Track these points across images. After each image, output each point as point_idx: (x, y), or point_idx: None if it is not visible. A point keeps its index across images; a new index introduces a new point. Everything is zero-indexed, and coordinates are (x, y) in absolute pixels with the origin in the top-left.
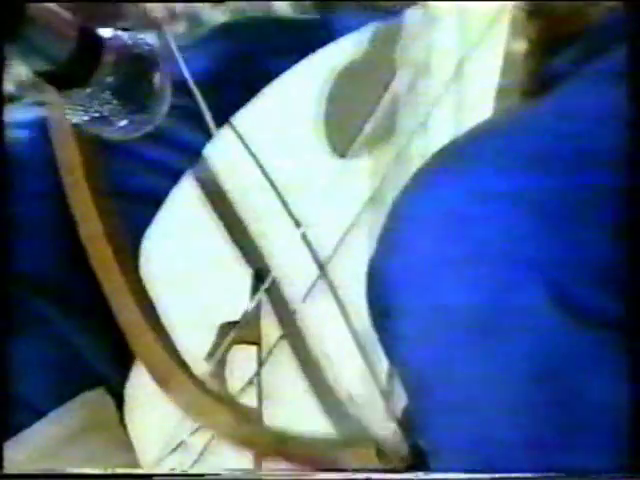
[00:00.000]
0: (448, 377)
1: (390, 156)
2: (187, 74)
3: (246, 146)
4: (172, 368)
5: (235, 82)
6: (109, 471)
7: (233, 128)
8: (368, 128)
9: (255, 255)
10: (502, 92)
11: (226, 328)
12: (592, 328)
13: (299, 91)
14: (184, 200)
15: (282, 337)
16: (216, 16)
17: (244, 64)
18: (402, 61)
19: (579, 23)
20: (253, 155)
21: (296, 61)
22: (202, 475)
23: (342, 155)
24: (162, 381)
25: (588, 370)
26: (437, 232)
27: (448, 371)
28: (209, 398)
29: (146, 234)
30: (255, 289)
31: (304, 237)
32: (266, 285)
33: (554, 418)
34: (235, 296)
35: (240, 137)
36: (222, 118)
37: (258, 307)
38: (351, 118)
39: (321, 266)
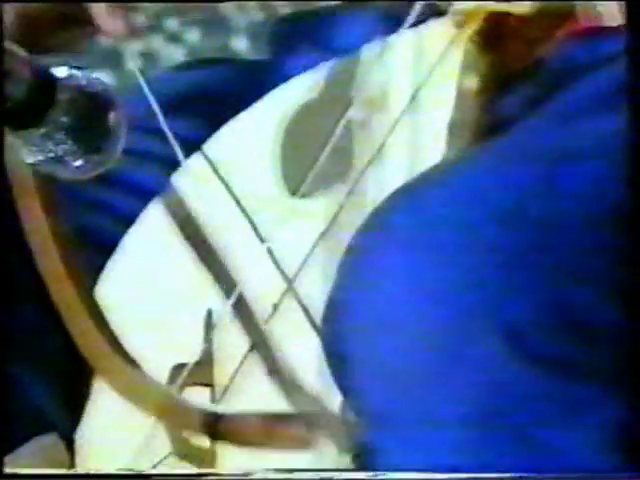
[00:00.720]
0: (400, 419)
1: (344, 191)
2: (155, 106)
3: (211, 178)
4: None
5: (192, 119)
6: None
7: (202, 155)
8: (323, 164)
9: (223, 276)
10: (455, 128)
11: (179, 370)
12: (548, 374)
13: (256, 130)
14: (151, 225)
15: (250, 350)
16: (174, 56)
17: (202, 102)
18: (356, 98)
19: (532, 58)
20: (222, 181)
21: (251, 101)
22: (203, 475)
23: (297, 191)
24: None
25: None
26: (393, 276)
27: (399, 413)
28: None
29: (110, 261)
30: (208, 330)
31: (270, 253)
32: (232, 300)
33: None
34: (192, 335)
35: (208, 165)
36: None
37: (211, 348)
38: (306, 155)
39: (288, 282)
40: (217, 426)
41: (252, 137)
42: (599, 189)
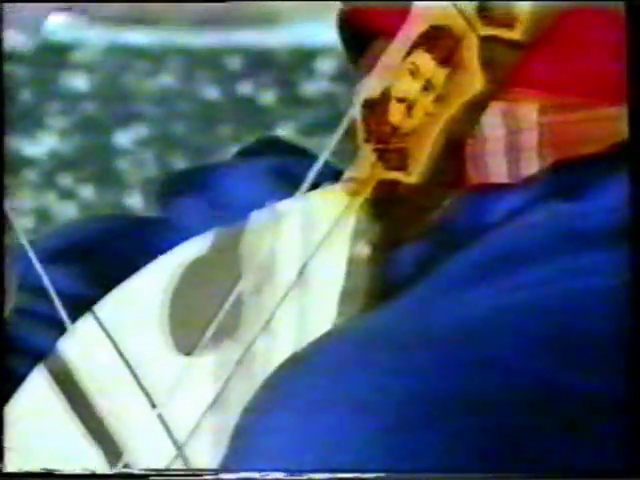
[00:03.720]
0: None
1: (234, 357)
2: (38, 267)
3: (101, 339)
4: None
5: (82, 278)
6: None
7: (92, 315)
8: (212, 329)
9: (109, 442)
10: (346, 295)
11: None
12: None
13: (147, 291)
14: (34, 391)
15: None
16: (65, 212)
17: (94, 261)
18: (247, 263)
19: (422, 225)
20: (113, 343)
21: (145, 258)
22: (200, 474)
23: (187, 354)
24: None
25: None
26: (284, 438)
27: None
28: None
29: None
30: None
31: (160, 418)
32: (119, 468)
33: None
34: None
35: (98, 326)
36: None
37: None
38: (196, 319)
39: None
40: None
41: (143, 298)
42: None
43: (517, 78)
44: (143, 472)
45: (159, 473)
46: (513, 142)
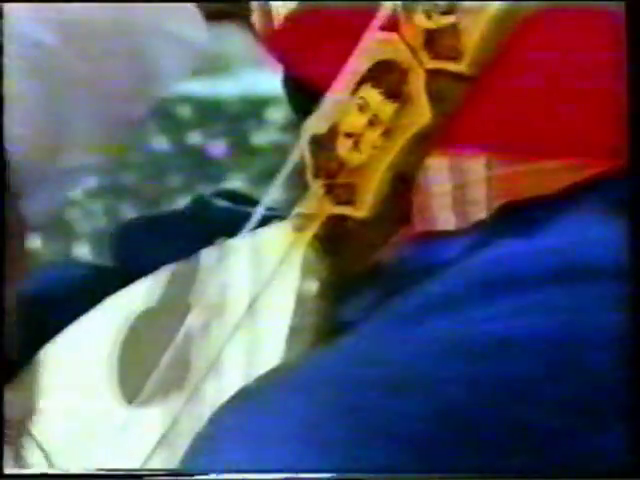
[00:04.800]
0: None
1: (183, 397)
2: None
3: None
4: None
5: (34, 326)
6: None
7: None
8: (161, 369)
9: None
10: (295, 332)
11: None
12: None
13: (93, 337)
14: None
15: None
16: None
17: (41, 309)
18: (196, 302)
19: (370, 262)
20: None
21: (92, 307)
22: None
23: (134, 398)
24: None
25: None
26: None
27: None
28: None
29: None
30: None
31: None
32: None
33: None
34: None
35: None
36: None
37: None
38: (144, 360)
39: None
40: None
41: (89, 342)
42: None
43: (463, 136)
44: (143, 472)
45: (160, 473)
46: (460, 196)
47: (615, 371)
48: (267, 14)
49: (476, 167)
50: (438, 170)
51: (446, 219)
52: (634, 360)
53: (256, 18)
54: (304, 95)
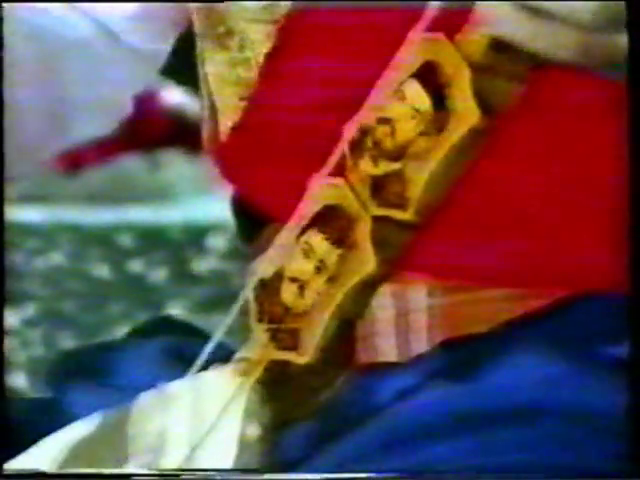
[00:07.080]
0: None
1: None
2: None
3: None
4: None
5: None
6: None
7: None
8: None
9: None
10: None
11: None
12: None
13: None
14: None
15: None
16: None
17: None
18: (134, 446)
19: (313, 405)
20: None
21: (29, 442)
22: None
23: None
24: None
25: None
26: None
27: None
28: None
29: None
30: None
31: None
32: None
33: None
34: None
35: None
36: None
37: None
38: None
39: None
40: None
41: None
42: None
43: (406, 260)
44: (143, 472)
45: (160, 473)
46: (402, 323)
47: None
48: (214, 127)
49: (418, 295)
50: (382, 297)
51: (389, 349)
52: None
53: (204, 131)
54: (250, 220)
